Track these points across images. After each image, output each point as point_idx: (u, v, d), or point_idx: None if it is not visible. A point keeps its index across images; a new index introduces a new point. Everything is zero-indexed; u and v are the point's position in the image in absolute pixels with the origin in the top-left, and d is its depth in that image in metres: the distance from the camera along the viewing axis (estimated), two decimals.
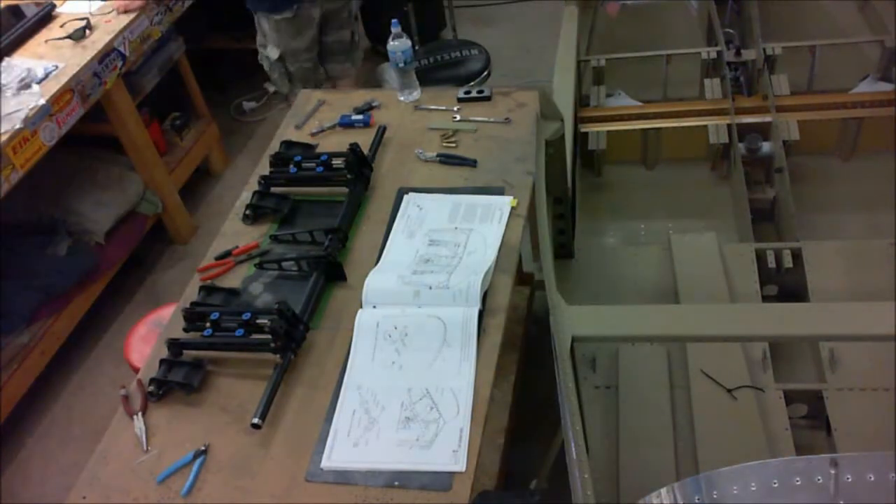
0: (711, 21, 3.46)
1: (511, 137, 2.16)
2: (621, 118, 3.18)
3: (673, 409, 2.21)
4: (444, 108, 2.31)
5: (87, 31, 3.02)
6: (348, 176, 2.04)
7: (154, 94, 3.50)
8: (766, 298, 2.51)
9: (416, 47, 3.68)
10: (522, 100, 2.28)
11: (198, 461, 1.53)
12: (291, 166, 2.08)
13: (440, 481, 1.43)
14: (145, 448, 1.58)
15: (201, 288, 1.86)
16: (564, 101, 2.82)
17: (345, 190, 2.05)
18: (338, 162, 2.05)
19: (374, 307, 1.75)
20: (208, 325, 1.71)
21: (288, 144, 2.21)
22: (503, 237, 1.87)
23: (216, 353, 1.72)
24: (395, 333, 1.68)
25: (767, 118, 3.01)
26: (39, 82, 2.78)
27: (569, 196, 2.64)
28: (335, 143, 2.24)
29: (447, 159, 2.13)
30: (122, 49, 3.07)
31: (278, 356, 1.64)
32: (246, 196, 2.11)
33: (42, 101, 2.69)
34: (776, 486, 1.09)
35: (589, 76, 3.40)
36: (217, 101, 4.25)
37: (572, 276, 2.72)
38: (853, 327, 1.75)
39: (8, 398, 2.78)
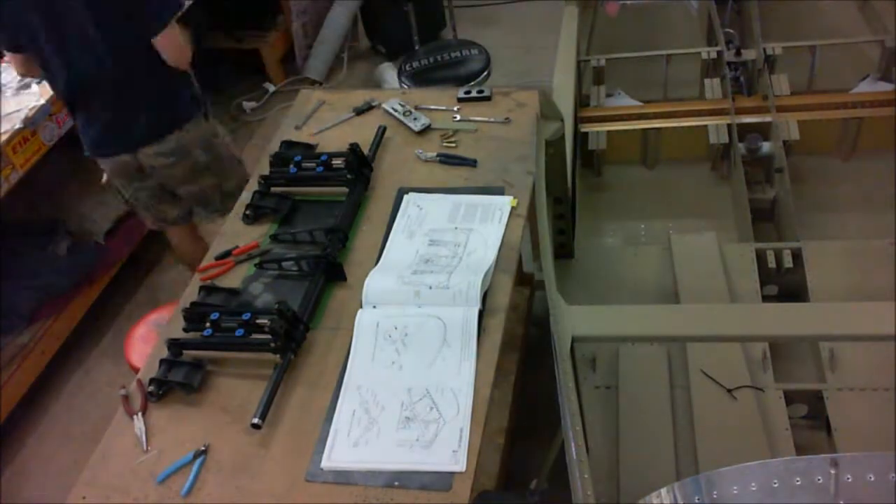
0: (711, 21, 3.46)
1: (511, 137, 2.16)
2: (621, 118, 3.18)
3: (673, 409, 2.21)
4: (444, 108, 2.31)
5: None
6: (348, 176, 2.04)
7: None
8: (766, 298, 2.51)
9: (417, 47, 3.67)
10: (522, 100, 2.27)
11: (198, 461, 1.53)
12: (291, 166, 2.08)
13: (440, 481, 1.43)
14: (145, 448, 1.58)
15: (201, 288, 1.86)
16: (564, 101, 2.82)
17: (345, 190, 2.05)
18: (338, 162, 2.05)
19: (374, 307, 1.75)
20: (208, 325, 1.71)
21: (288, 144, 2.21)
22: (503, 237, 1.87)
23: (216, 354, 1.72)
24: (395, 333, 1.68)
25: (767, 118, 3.01)
26: (39, 82, 2.78)
27: (569, 196, 2.64)
28: (336, 142, 2.24)
29: (447, 159, 2.13)
30: None
31: (278, 356, 1.65)
32: (246, 196, 2.12)
33: (42, 101, 2.69)
34: (776, 486, 1.09)
35: (589, 76, 3.40)
36: (217, 101, 4.25)
37: (572, 276, 2.72)
38: (853, 327, 1.75)
39: (8, 398, 2.78)
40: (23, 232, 3.10)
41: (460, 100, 2.32)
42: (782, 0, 3.57)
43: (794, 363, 2.36)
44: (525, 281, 2.76)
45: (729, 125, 3.03)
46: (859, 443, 2.04)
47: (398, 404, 1.57)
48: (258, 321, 1.65)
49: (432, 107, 2.31)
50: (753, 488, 1.10)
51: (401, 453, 1.49)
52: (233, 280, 1.91)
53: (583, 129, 3.17)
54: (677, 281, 2.55)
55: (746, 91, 3.25)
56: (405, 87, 3.31)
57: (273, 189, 2.09)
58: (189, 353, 1.72)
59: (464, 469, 1.44)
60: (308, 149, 2.20)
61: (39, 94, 2.72)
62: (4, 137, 2.54)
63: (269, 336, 1.63)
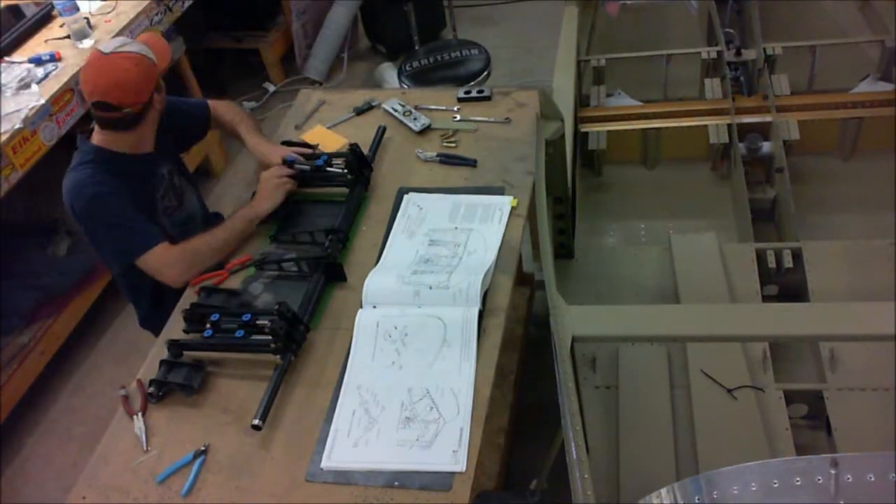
0: (711, 21, 3.46)
1: (511, 137, 2.16)
2: (621, 118, 3.18)
3: (673, 409, 2.21)
4: (444, 107, 2.31)
5: (88, 31, 3.02)
6: (348, 176, 2.04)
7: None
8: (766, 298, 2.51)
9: (417, 47, 3.67)
10: (522, 100, 2.28)
11: (198, 461, 1.53)
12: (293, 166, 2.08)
13: (440, 481, 1.43)
14: (145, 448, 1.58)
15: (202, 288, 1.86)
16: (564, 100, 2.82)
17: (345, 190, 2.05)
18: (338, 162, 2.05)
19: (374, 307, 1.75)
20: (208, 326, 1.71)
21: (287, 144, 2.21)
22: (503, 237, 1.87)
23: (216, 354, 1.72)
24: (395, 333, 1.68)
25: (767, 118, 3.01)
26: (39, 82, 2.78)
27: (569, 196, 2.64)
28: (337, 142, 2.24)
29: (447, 159, 2.13)
30: None
31: (278, 357, 1.64)
32: (247, 197, 2.12)
33: (42, 101, 2.69)
34: (776, 486, 1.09)
35: (589, 76, 3.40)
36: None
37: (572, 276, 2.72)
38: (853, 327, 1.74)
39: (8, 398, 2.78)
40: (23, 232, 3.10)
41: (460, 100, 2.32)
42: (782, 0, 3.57)
43: (794, 363, 2.36)
44: (525, 281, 2.76)
45: (729, 125, 3.03)
46: (859, 443, 2.04)
47: (398, 404, 1.57)
48: (258, 322, 1.65)
49: (432, 107, 2.31)
50: (753, 488, 1.10)
51: (401, 453, 1.49)
52: (233, 281, 1.91)
53: (583, 129, 3.17)
54: (677, 281, 2.55)
55: (746, 91, 3.25)
56: (405, 87, 3.31)
57: None
58: (189, 354, 1.72)
59: (464, 469, 1.44)
60: (306, 148, 2.20)
61: (39, 94, 2.72)
62: (4, 137, 2.54)
63: (269, 337, 1.63)
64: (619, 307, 2.33)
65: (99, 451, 1.60)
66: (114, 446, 1.60)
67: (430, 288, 1.72)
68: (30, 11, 3.19)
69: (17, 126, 2.58)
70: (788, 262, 2.53)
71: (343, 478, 1.47)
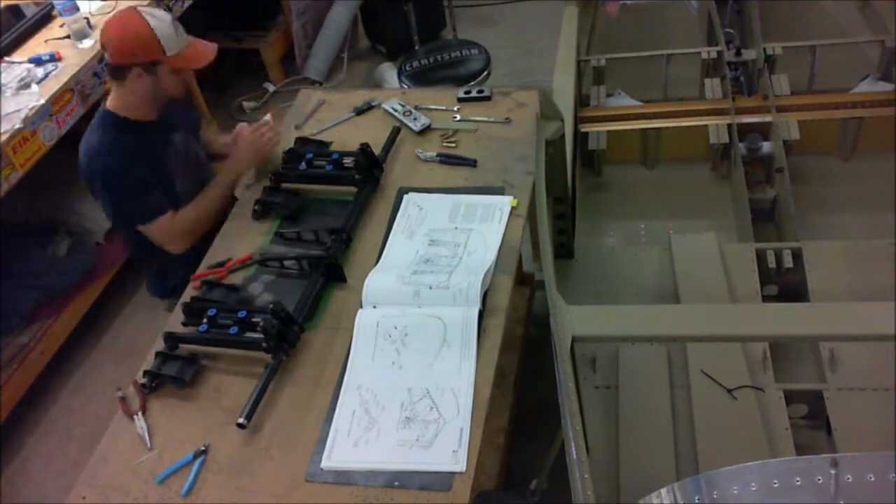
0: (711, 21, 3.46)
1: (511, 137, 2.16)
2: (621, 118, 3.18)
3: (673, 409, 2.21)
4: (444, 107, 2.31)
5: (88, 31, 3.02)
6: (356, 176, 2.04)
7: None
8: (766, 298, 2.51)
9: (417, 47, 3.67)
10: (522, 100, 2.27)
11: (198, 461, 1.53)
12: (303, 163, 2.08)
13: (440, 481, 1.43)
14: (149, 446, 1.58)
15: (203, 282, 1.86)
16: (564, 100, 2.82)
17: (354, 189, 2.04)
18: (348, 161, 2.05)
19: (374, 307, 1.75)
20: (205, 320, 1.72)
21: (302, 141, 2.21)
22: (503, 237, 1.87)
23: (210, 349, 1.73)
24: (395, 333, 1.68)
25: (767, 118, 3.01)
26: (39, 82, 2.78)
27: (569, 196, 2.64)
28: (337, 142, 2.24)
29: (447, 159, 2.13)
30: None
31: (270, 356, 1.65)
32: (248, 195, 2.12)
33: (42, 101, 2.69)
34: (776, 486, 1.09)
35: (589, 76, 3.40)
36: (217, 101, 4.25)
37: (572, 276, 2.72)
38: (853, 327, 1.74)
39: (8, 398, 2.78)
40: (23, 232, 3.10)
41: (460, 100, 2.32)
42: (782, 0, 3.57)
43: (794, 363, 2.35)
44: (525, 281, 2.76)
45: (729, 125, 3.03)
46: (859, 443, 2.04)
47: (398, 404, 1.57)
48: (253, 319, 1.66)
49: (432, 107, 2.31)
50: (753, 488, 1.10)
51: (401, 453, 1.49)
52: (235, 277, 1.91)
53: (583, 129, 3.17)
54: (677, 281, 2.55)
55: (746, 91, 3.25)
56: (405, 87, 3.31)
57: (283, 185, 2.09)
58: (185, 348, 1.73)
59: (464, 469, 1.44)
60: (321, 146, 2.20)
61: (39, 94, 2.72)
62: (4, 137, 2.54)
63: (261, 335, 1.63)
64: (619, 307, 2.33)
65: (99, 451, 1.60)
66: (114, 446, 1.60)
67: (430, 288, 1.72)
68: (30, 11, 3.19)
69: (17, 126, 2.58)
70: (788, 262, 2.53)
71: (343, 478, 1.47)
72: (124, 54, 1.94)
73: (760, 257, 2.56)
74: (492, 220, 1.92)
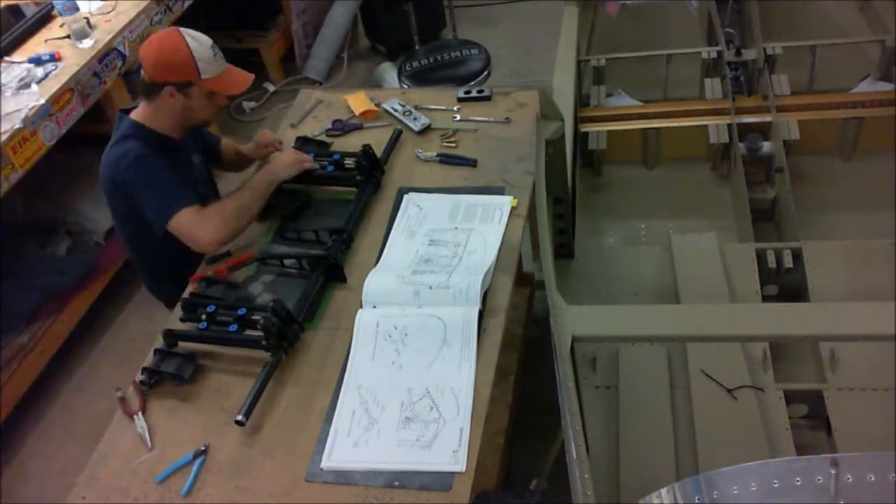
0: (711, 21, 3.46)
1: (511, 137, 2.16)
2: (621, 118, 3.18)
3: (673, 409, 2.21)
4: (444, 107, 2.31)
5: (88, 31, 3.02)
6: (358, 177, 2.03)
7: None
8: (766, 298, 2.51)
9: (417, 47, 3.67)
10: (522, 100, 2.27)
11: (198, 461, 1.53)
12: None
13: (440, 481, 1.43)
14: (149, 446, 1.58)
15: (202, 279, 1.86)
16: (564, 100, 2.82)
17: (355, 190, 2.04)
18: (349, 162, 2.05)
19: (374, 307, 1.75)
20: (204, 317, 1.72)
21: (303, 140, 2.21)
22: (503, 237, 1.87)
23: (209, 347, 1.73)
24: (395, 333, 1.68)
25: (768, 118, 3.01)
26: (39, 82, 2.78)
27: (569, 196, 2.64)
28: (337, 142, 2.24)
29: (447, 159, 2.13)
30: (121, 49, 3.07)
31: (269, 354, 1.65)
32: None
33: (42, 101, 2.68)
34: (776, 486, 1.09)
35: (589, 76, 3.40)
36: None
37: (572, 276, 2.72)
38: (853, 327, 1.74)
39: (8, 398, 2.78)
40: (23, 232, 3.10)
41: (460, 100, 2.32)
42: (782, 0, 3.57)
43: (794, 363, 2.35)
44: (525, 281, 2.76)
45: (729, 125, 3.03)
46: (859, 443, 2.04)
47: (398, 404, 1.57)
48: (253, 317, 1.66)
49: (432, 107, 2.31)
50: (753, 488, 1.10)
51: (401, 453, 1.49)
52: (235, 275, 1.91)
53: (583, 129, 3.17)
54: (677, 281, 2.55)
55: (746, 91, 3.25)
56: (405, 87, 3.31)
57: (284, 185, 2.09)
58: (184, 345, 1.73)
59: (464, 469, 1.44)
60: (322, 147, 2.20)
61: (39, 93, 2.72)
62: (4, 137, 2.54)
63: (261, 333, 1.63)
64: (619, 307, 2.33)
65: (99, 450, 1.60)
66: (114, 446, 1.60)
67: (430, 288, 1.72)
68: (30, 11, 3.19)
69: (16, 126, 2.58)
70: (788, 262, 2.53)
71: (343, 478, 1.47)
72: (159, 71, 1.90)
73: (760, 257, 2.56)
74: (492, 220, 1.92)
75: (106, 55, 2.99)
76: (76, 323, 3.09)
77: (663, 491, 1.17)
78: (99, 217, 3.19)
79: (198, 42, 1.92)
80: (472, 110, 2.27)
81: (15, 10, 3.20)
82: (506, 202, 1.96)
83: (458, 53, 3.44)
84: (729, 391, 2.19)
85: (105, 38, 3.01)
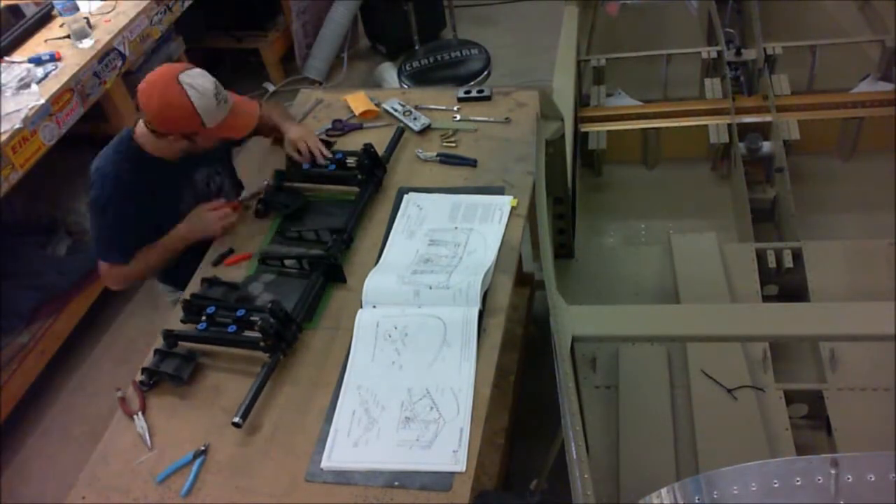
0: (712, 21, 3.46)
1: (511, 137, 2.16)
2: (621, 118, 3.18)
3: (673, 409, 2.21)
4: (444, 107, 2.31)
5: (87, 31, 3.02)
6: (359, 176, 2.03)
7: None
8: (766, 298, 2.51)
9: (417, 47, 3.67)
10: (522, 99, 2.27)
11: (198, 461, 1.53)
12: (306, 162, 2.08)
13: (440, 481, 1.43)
14: (149, 446, 1.58)
15: (203, 280, 1.87)
16: (564, 100, 2.82)
17: (357, 189, 2.04)
18: (351, 161, 2.05)
19: (374, 307, 1.75)
20: (204, 318, 1.72)
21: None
22: (503, 237, 1.87)
23: (209, 347, 1.73)
24: (395, 333, 1.68)
25: (768, 118, 3.01)
26: (39, 82, 2.78)
27: (569, 196, 2.64)
28: (338, 142, 2.24)
29: (447, 159, 2.13)
30: (121, 49, 3.07)
31: (268, 355, 1.64)
32: (244, 195, 2.12)
33: (42, 101, 2.68)
34: (776, 486, 1.09)
35: (589, 76, 3.40)
36: None
37: (572, 276, 2.72)
38: (853, 327, 1.74)
39: (8, 398, 2.78)
40: (23, 232, 3.10)
41: (460, 100, 2.32)
42: (782, 0, 3.57)
43: (794, 363, 2.35)
44: (525, 281, 2.76)
45: (729, 125, 3.03)
46: (859, 443, 2.04)
47: (398, 404, 1.57)
48: (251, 318, 1.66)
49: (432, 107, 2.31)
50: (753, 488, 1.10)
51: (401, 453, 1.49)
52: (236, 274, 1.91)
53: (583, 129, 3.17)
54: (677, 281, 2.54)
55: (746, 91, 3.25)
56: (405, 86, 3.32)
57: (286, 184, 2.09)
58: (184, 345, 1.74)
59: (464, 469, 1.44)
60: (325, 145, 2.19)
61: (39, 93, 2.72)
62: (4, 137, 2.54)
63: (259, 334, 1.63)
64: (619, 307, 2.33)
65: (99, 450, 1.60)
66: (114, 446, 1.60)
67: (430, 288, 1.72)
68: (30, 11, 3.19)
69: (16, 126, 2.58)
70: (788, 262, 2.53)
71: (343, 478, 1.47)
72: (163, 124, 1.88)
73: (760, 257, 2.56)
74: (492, 220, 1.92)
75: (106, 55, 2.99)
76: (76, 323, 3.09)
77: (663, 491, 1.17)
78: None
79: (199, 93, 1.84)
80: (472, 110, 2.27)
81: (15, 10, 3.20)
82: (506, 202, 1.96)
83: (458, 53, 3.45)
84: (729, 391, 2.18)
85: (105, 38, 3.01)
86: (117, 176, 1.94)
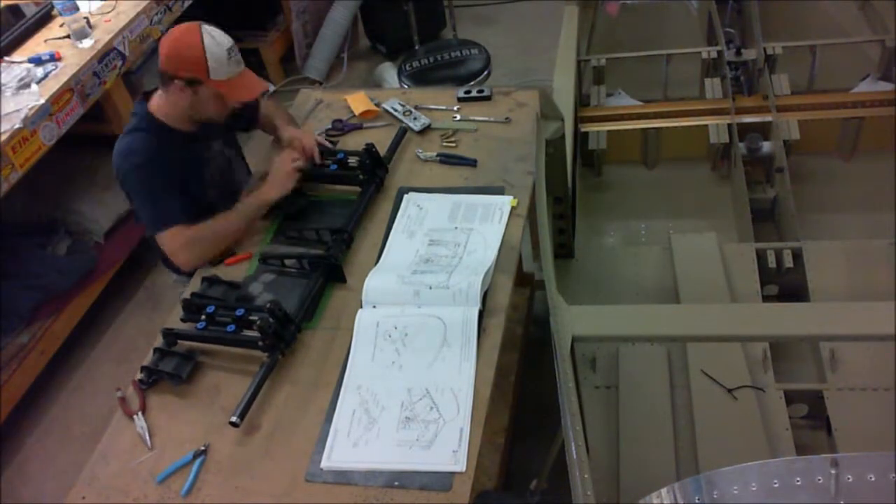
0: (712, 21, 3.46)
1: (511, 137, 2.16)
2: (621, 118, 3.18)
3: (673, 409, 2.21)
4: (444, 107, 2.31)
5: (87, 31, 3.02)
6: (360, 176, 2.03)
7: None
8: (766, 298, 2.51)
9: (417, 47, 3.67)
10: (522, 99, 2.27)
11: (197, 461, 1.53)
12: (309, 162, 2.08)
13: (440, 481, 1.43)
14: (149, 446, 1.58)
15: (204, 279, 1.87)
16: (565, 100, 2.82)
17: (359, 189, 2.04)
18: (353, 161, 2.05)
19: (374, 307, 1.75)
20: (203, 317, 1.73)
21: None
22: (503, 237, 1.87)
23: (208, 346, 1.74)
24: (395, 333, 1.68)
25: (768, 118, 3.01)
26: (39, 82, 2.78)
27: (569, 196, 2.64)
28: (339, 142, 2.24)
29: (447, 159, 2.13)
30: (121, 49, 3.07)
31: (266, 355, 1.65)
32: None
33: (41, 101, 2.68)
34: (777, 486, 1.09)
35: (589, 76, 3.40)
36: None
37: (572, 276, 2.72)
38: (853, 327, 1.74)
39: (8, 398, 2.78)
40: (23, 232, 3.10)
41: (460, 99, 2.32)
42: (782, 0, 3.57)
43: (795, 363, 2.35)
44: (525, 281, 2.76)
45: (729, 125, 3.03)
46: (859, 443, 2.04)
47: (398, 404, 1.57)
48: (250, 318, 1.66)
49: (432, 106, 2.31)
50: (753, 488, 1.10)
51: (401, 453, 1.49)
52: (237, 273, 1.91)
53: (583, 129, 3.17)
54: (677, 281, 2.55)
55: (747, 91, 3.25)
56: (405, 86, 3.31)
57: None
58: (183, 344, 1.74)
59: (464, 469, 1.44)
60: (327, 148, 2.19)
61: (39, 93, 2.72)
62: (4, 137, 2.54)
63: (258, 334, 1.64)
64: (619, 307, 2.33)
65: (99, 450, 1.60)
66: (113, 446, 1.60)
67: (430, 288, 1.72)
68: (30, 11, 3.19)
69: (16, 126, 2.58)
70: (788, 262, 2.53)
71: (343, 478, 1.47)
72: (171, 63, 1.91)
73: (760, 257, 2.56)
74: (492, 220, 1.92)
75: (106, 55, 2.99)
76: (76, 323, 3.09)
77: (663, 491, 1.17)
78: (99, 217, 3.20)
79: (215, 42, 1.90)
80: (472, 110, 2.27)
81: (15, 10, 3.20)
82: (506, 202, 1.96)
83: (458, 53, 3.44)
84: (729, 391, 2.18)
85: (105, 37, 3.01)
86: (147, 147, 1.96)
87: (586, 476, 1.42)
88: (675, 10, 3.86)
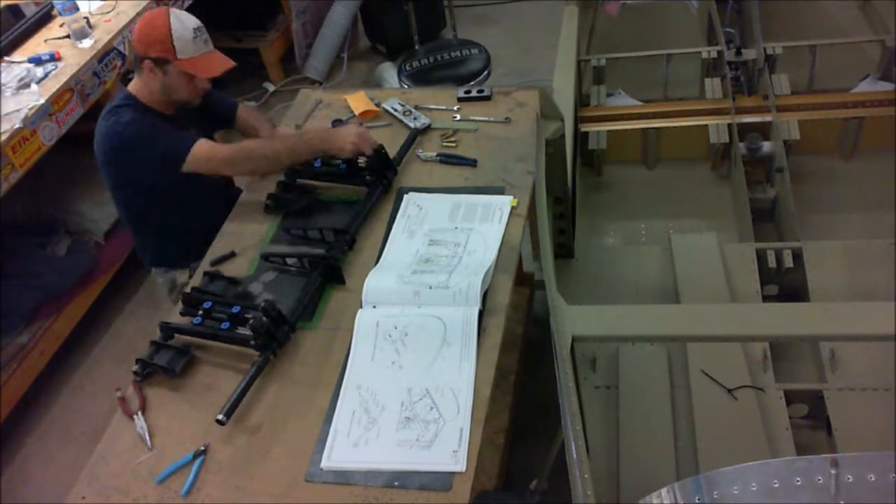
0: (712, 20, 3.46)
1: (511, 137, 2.16)
2: (622, 118, 3.18)
3: (673, 409, 2.20)
4: (444, 107, 2.31)
5: (87, 31, 3.02)
6: (367, 177, 2.03)
7: None
8: (766, 298, 2.50)
9: (417, 47, 3.67)
10: (522, 99, 2.27)
11: (197, 461, 1.53)
12: (318, 161, 2.09)
13: (440, 481, 1.43)
14: (149, 446, 1.58)
15: (205, 273, 1.87)
16: (565, 100, 2.82)
17: (366, 190, 2.04)
18: (362, 162, 2.05)
19: (374, 307, 1.75)
20: (200, 313, 1.73)
21: None
22: (503, 237, 1.87)
23: (203, 342, 1.74)
24: (395, 333, 1.68)
25: (768, 118, 3.01)
26: (39, 82, 2.78)
27: (569, 196, 2.64)
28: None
29: (447, 159, 2.13)
30: (121, 49, 3.07)
31: (258, 354, 1.65)
32: (246, 196, 2.12)
33: (41, 101, 2.68)
34: (777, 486, 1.09)
35: (589, 76, 3.40)
36: None
37: (572, 276, 2.72)
38: (853, 327, 1.74)
39: (8, 398, 2.78)
40: (23, 232, 3.10)
41: (460, 99, 2.32)
42: (782, 0, 3.57)
43: (795, 363, 2.35)
44: (525, 281, 2.76)
45: (729, 125, 3.03)
46: (859, 443, 2.04)
47: (398, 404, 1.57)
48: (245, 315, 1.67)
49: (432, 106, 2.31)
50: (753, 488, 1.10)
51: (401, 453, 1.49)
52: (238, 269, 1.91)
53: (583, 129, 3.17)
54: (677, 281, 2.54)
55: (747, 91, 3.25)
56: (405, 86, 3.31)
57: (297, 181, 2.09)
58: (179, 338, 1.75)
59: (464, 469, 1.44)
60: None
61: (39, 93, 2.72)
62: (4, 137, 2.54)
63: (251, 332, 1.64)
64: (619, 307, 2.32)
65: (99, 450, 1.60)
66: (113, 446, 1.60)
67: (430, 288, 1.72)
68: (30, 11, 3.19)
69: (16, 126, 2.58)
70: (788, 262, 2.53)
71: (343, 478, 1.47)
72: (141, 44, 2.01)
73: (760, 257, 2.56)
74: (492, 220, 1.92)
75: (106, 55, 2.99)
76: (76, 323, 3.09)
77: (663, 491, 1.17)
78: (99, 217, 3.20)
79: (180, 23, 1.98)
80: (472, 110, 2.27)
81: (15, 10, 3.20)
82: (506, 202, 1.96)
83: (458, 53, 3.45)
84: (729, 391, 2.18)
85: (105, 37, 3.02)
86: (136, 117, 2.03)
87: (586, 476, 1.42)
88: (675, 10, 3.85)
